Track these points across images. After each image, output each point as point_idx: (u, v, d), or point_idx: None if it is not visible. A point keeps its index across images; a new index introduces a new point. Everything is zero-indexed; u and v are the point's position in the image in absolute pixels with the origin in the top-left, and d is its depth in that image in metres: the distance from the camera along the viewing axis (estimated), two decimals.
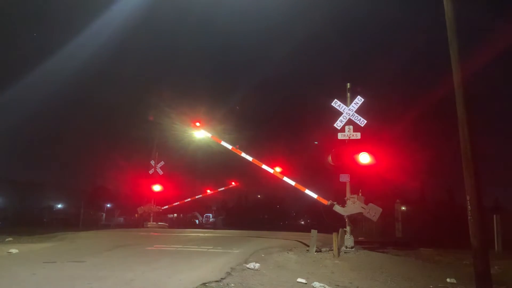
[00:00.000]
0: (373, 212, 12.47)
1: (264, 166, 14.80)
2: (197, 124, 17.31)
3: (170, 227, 27.31)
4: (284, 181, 14.45)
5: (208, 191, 34.17)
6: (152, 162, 25.27)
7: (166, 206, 27.75)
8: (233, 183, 33.85)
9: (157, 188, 24.89)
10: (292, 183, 14.25)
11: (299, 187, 14.13)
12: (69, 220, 30.05)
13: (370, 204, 12.59)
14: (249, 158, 15.04)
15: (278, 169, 15.80)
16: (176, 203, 30.75)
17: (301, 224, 43.70)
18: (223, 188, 34.28)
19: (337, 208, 12.88)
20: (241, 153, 15.22)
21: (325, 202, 13.25)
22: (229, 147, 15.57)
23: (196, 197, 33.38)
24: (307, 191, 13.91)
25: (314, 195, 13.73)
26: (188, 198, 31.82)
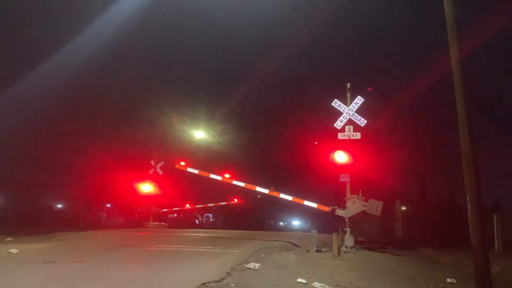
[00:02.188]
0: (375, 207, 12.46)
1: (258, 188, 14.84)
2: (182, 163, 17.48)
3: (170, 227, 27.30)
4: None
5: (210, 204, 34.40)
6: (152, 162, 25.25)
7: (166, 209, 27.78)
8: (235, 199, 33.88)
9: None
10: (290, 198, 14.34)
11: (297, 200, 14.21)
12: (69, 220, 29.99)
13: (370, 200, 12.59)
14: (242, 184, 15.12)
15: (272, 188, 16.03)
16: (176, 209, 30.82)
17: (299, 225, 43.61)
18: (224, 203, 34.29)
19: (339, 212, 12.85)
20: (232, 182, 15.29)
21: (326, 209, 13.22)
22: (219, 178, 15.63)
23: (197, 206, 33.43)
24: (306, 202, 13.96)
25: (314, 205, 13.76)
26: (188, 205, 31.92)
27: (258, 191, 14.89)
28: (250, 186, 15.10)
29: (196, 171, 16.34)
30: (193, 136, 27.50)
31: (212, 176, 15.70)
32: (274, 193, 14.59)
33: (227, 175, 18.70)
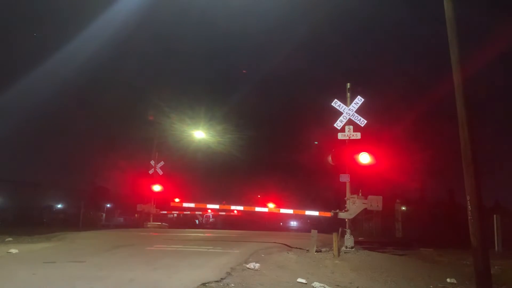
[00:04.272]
0: (375, 202, 12.47)
1: (258, 208, 15.19)
2: (176, 200, 18.15)
3: (170, 227, 27.29)
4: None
5: (209, 211, 34.46)
6: (152, 162, 25.23)
7: (165, 212, 27.77)
8: (235, 211, 33.99)
9: (157, 188, 24.76)
10: (291, 211, 14.53)
11: (298, 212, 14.38)
12: (69, 220, 29.99)
13: (370, 197, 12.59)
14: (240, 208, 15.49)
15: (271, 205, 16.37)
16: (175, 212, 30.87)
17: (297, 225, 43.49)
18: (224, 213, 34.37)
19: (342, 215, 12.81)
20: (230, 207, 15.59)
21: (328, 214, 13.23)
22: (216, 206, 15.90)
23: (196, 213, 33.44)
24: (307, 212, 14.11)
25: (316, 213, 13.88)
26: (187, 210, 31.96)
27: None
28: (249, 208, 15.59)
29: (192, 205, 16.62)
30: (193, 136, 27.52)
31: (209, 206, 15.97)
32: (275, 210, 14.81)
33: (223, 203, 19.56)
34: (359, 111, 13.06)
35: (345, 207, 12.79)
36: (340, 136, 13.06)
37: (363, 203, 12.56)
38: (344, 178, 12.99)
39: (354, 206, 12.67)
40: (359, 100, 13.16)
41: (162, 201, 26.32)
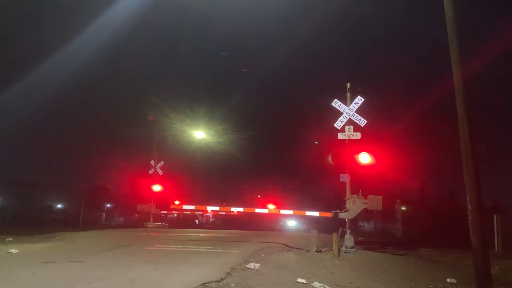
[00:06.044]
0: (375, 202, 12.47)
1: (258, 210, 15.49)
2: (176, 202, 18.65)
3: (170, 227, 27.27)
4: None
5: (209, 211, 34.52)
6: (152, 162, 25.22)
7: (165, 212, 27.76)
8: (235, 211, 33.91)
9: (157, 188, 24.74)
10: (291, 212, 14.77)
11: (299, 213, 14.56)
12: (69, 220, 30.00)
13: (369, 196, 12.59)
14: (241, 209, 15.97)
15: (272, 206, 16.62)
16: (175, 212, 30.88)
17: (295, 225, 43.20)
18: (223, 213, 34.35)
19: (342, 215, 12.80)
20: (230, 209, 16.02)
21: (328, 215, 13.24)
22: (217, 208, 16.30)
23: (196, 213, 33.45)
24: (308, 213, 14.28)
25: (316, 213, 14.02)
26: (188, 211, 31.97)
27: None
28: (249, 210, 15.95)
29: (192, 207, 16.87)
30: (193, 136, 27.53)
31: (209, 208, 16.32)
32: (275, 211, 15.00)
33: (223, 204, 20.01)
34: (359, 111, 13.06)
35: (345, 207, 12.78)
36: (340, 136, 13.06)
37: (363, 203, 12.55)
38: (344, 178, 12.99)
39: (354, 206, 12.66)
40: (359, 100, 13.16)
41: (162, 201, 26.29)
